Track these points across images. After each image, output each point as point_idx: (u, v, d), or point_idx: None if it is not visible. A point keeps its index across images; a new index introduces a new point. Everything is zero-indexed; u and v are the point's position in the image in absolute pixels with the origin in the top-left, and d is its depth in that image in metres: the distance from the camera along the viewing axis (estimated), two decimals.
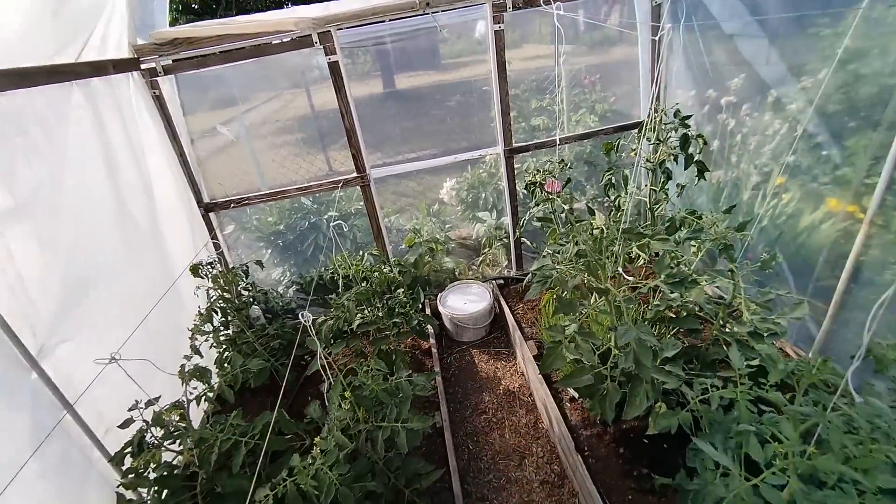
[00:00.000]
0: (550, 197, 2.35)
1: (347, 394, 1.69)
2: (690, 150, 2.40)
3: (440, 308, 3.05)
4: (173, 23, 4.71)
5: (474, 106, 3.15)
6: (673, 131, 2.54)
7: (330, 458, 1.48)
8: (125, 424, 1.83)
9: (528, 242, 3.05)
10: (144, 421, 1.83)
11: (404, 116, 3.31)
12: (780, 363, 1.32)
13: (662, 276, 1.86)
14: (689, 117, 2.42)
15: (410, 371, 1.90)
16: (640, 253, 2.24)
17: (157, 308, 2.17)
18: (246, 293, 2.68)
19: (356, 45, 2.80)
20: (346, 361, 2.89)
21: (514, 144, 2.96)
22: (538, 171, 2.47)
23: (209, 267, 2.44)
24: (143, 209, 2.18)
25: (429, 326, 2.77)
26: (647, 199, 2.65)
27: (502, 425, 2.50)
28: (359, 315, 2.48)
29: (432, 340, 2.89)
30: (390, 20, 2.49)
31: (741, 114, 2.68)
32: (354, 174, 2.83)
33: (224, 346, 2.52)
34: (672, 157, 2.39)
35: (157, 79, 2.26)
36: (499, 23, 2.62)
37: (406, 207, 3.76)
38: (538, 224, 2.71)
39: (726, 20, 2.52)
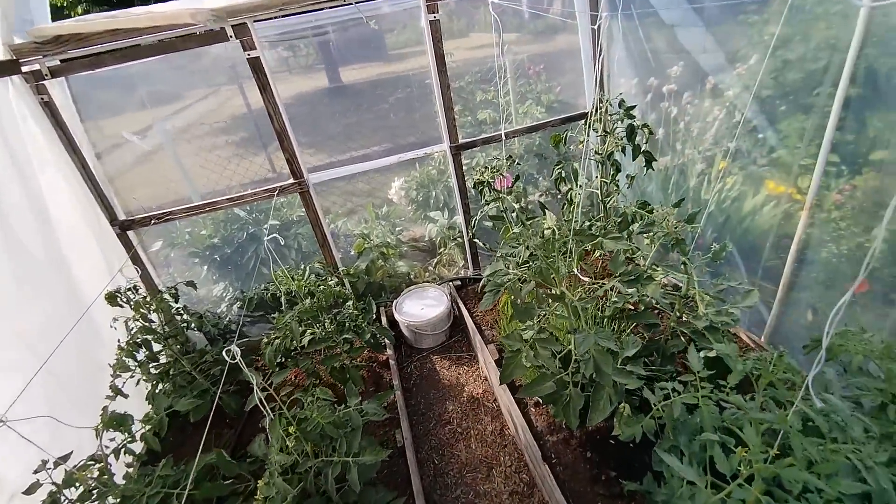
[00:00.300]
0: (501, 195, 2.25)
1: (292, 429, 1.53)
2: (637, 140, 2.37)
3: (396, 315, 2.90)
4: (85, 13, 4.21)
5: (418, 100, 2.99)
6: (619, 122, 2.50)
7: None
8: (31, 490, 1.58)
9: (482, 244, 2.96)
10: (55, 483, 1.58)
11: (349, 112, 3.12)
12: (738, 363, 1.28)
13: (618, 274, 1.81)
14: (633, 107, 2.38)
15: (361, 398, 1.75)
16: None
17: (67, 346, 1.89)
18: (179, 317, 2.43)
19: (282, 39, 2.58)
20: (298, 381, 2.70)
21: (461, 140, 2.84)
22: (486, 168, 2.37)
23: (130, 293, 2.17)
24: (36, 234, 1.88)
25: (384, 339, 2.63)
26: (598, 192, 2.61)
27: (468, 435, 2.41)
28: (307, 333, 2.30)
29: (389, 351, 2.75)
30: (310, 11, 2.29)
31: (683, 101, 2.69)
32: (291, 180, 2.61)
33: (156, 380, 2.26)
34: (620, 149, 2.34)
35: (43, 82, 1.95)
36: (433, 12, 2.47)
37: (355, 209, 3.57)
38: (490, 224, 2.62)
39: (664, 8, 2.49)
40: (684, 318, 2.08)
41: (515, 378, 2.31)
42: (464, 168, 3.01)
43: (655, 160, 2.47)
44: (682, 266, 1.86)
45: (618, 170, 2.45)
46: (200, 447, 1.38)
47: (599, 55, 2.11)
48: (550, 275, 1.58)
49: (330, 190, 3.23)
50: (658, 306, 2.21)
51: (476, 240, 2.94)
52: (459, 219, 3.12)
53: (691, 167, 2.80)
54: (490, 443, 2.34)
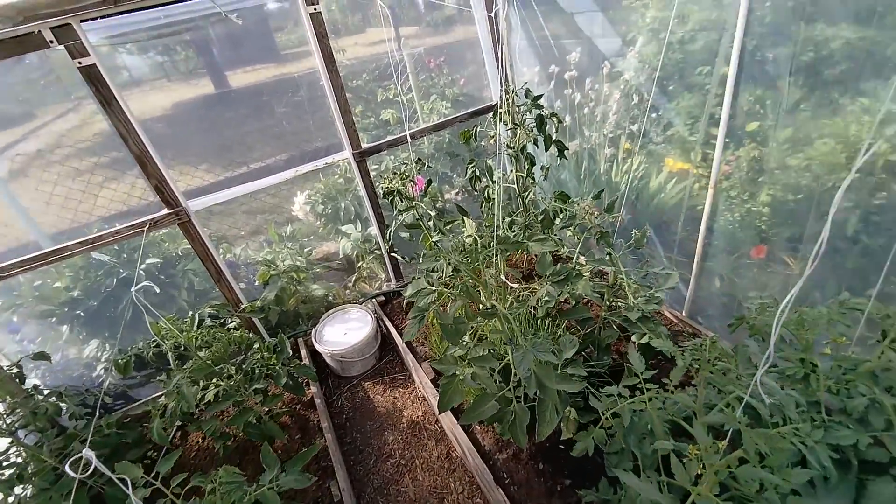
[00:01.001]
0: (415, 203, 2.06)
1: None
2: (548, 130, 2.30)
3: (317, 345, 2.60)
4: None
5: (312, 105, 2.68)
6: (528, 112, 2.42)
7: None
8: None
9: (399, 257, 2.75)
10: None
11: (242, 120, 2.71)
12: (679, 358, 1.22)
13: (547, 276, 1.71)
14: (540, 97, 2.31)
15: (281, 462, 1.47)
16: None
17: None
18: (32, 400, 1.92)
19: (126, 40, 2.14)
20: (206, 445, 2.30)
21: (364, 146, 2.59)
22: (395, 174, 2.16)
23: None
24: None
25: (305, 378, 2.32)
26: (515, 186, 2.52)
27: (413, 466, 2.20)
28: (210, 388, 1.93)
29: (314, 388, 2.45)
30: (156, 6, 1.90)
31: (585, 87, 2.69)
32: (164, 211, 2.19)
33: (6, 488, 1.76)
34: (532, 140, 2.26)
35: None
36: (312, 4, 2.19)
37: (258, 228, 3.17)
38: (407, 234, 2.42)
39: None
40: (615, 305, 2.06)
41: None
42: (371, 175, 2.77)
43: (567, 149, 2.42)
44: (608, 257, 1.81)
45: (532, 163, 2.36)
46: None
47: (500, 45, 1.99)
48: (477, 290, 1.42)
49: (222, 213, 2.81)
50: (589, 300, 2.17)
51: (394, 253, 2.72)
52: (374, 230, 2.87)
53: (600, 151, 2.82)
54: (438, 469, 2.16)
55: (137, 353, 2.00)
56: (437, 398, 2.14)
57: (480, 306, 1.52)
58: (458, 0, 2.81)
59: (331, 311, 2.83)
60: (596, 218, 1.73)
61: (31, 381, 2.19)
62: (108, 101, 1.91)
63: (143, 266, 2.56)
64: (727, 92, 1.94)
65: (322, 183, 3.20)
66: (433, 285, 1.62)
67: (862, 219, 1.80)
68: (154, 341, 1.96)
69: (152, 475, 1.33)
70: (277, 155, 2.91)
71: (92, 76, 1.87)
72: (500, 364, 1.73)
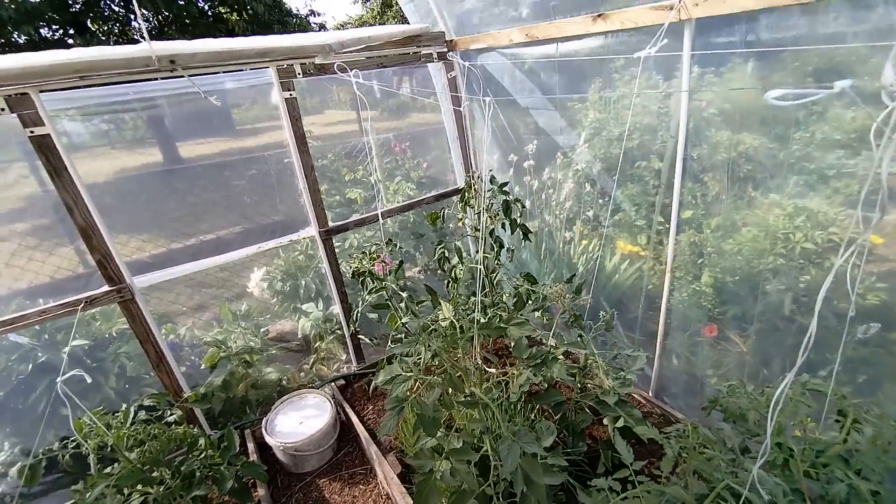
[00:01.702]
0: (385, 283, 2.02)
1: None
2: (512, 214, 2.42)
3: (268, 438, 2.33)
4: None
5: (278, 181, 2.68)
6: (493, 198, 2.55)
7: None
8: None
9: (368, 339, 2.64)
10: None
11: (196, 192, 2.63)
12: (668, 447, 1.20)
13: (524, 359, 1.68)
14: (506, 184, 2.45)
15: None
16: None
17: None
18: None
19: (86, 112, 2.07)
20: None
21: (331, 224, 2.57)
22: (364, 254, 2.13)
23: None
24: None
25: (253, 479, 2.05)
26: (481, 267, 2.56)
27: None
28: (135, 498, 1.64)
29: (262, 491, 2.15)
30: (124, 82, 1.89)
31: (542, 175, 2.91)
32: (105, 287, 1.99)
33: None
34: (500, 224, 2.35)
35: None
36: (289, 90, 2.27)
37: (205, 305, 2.94)
38: (374, 315, 2.34)
39: (517, 93, 2.71)
40: (585, 388, 2.05)
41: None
42: (336, 252, 2.72)
43: (532, 232, 2.54)
44: (580, 339, 1.83)
45: (501, 245, 2.44)
46: None
47: (466, 136, 2.13)
48: (459, 376, 1.37)
49: (168, 289, 2.61)
50: (559, 381, 2.15)
51: (360, 335, 2.61)
52: (337, 308, 2.76)
53: (557, 233, 2.98)
54: None
55: (49, 455, 1.68)
56: (405, 496, 1.95)
57: (459, 394, 1.45)
58: (424, 94, 3.03)
59: (284, 398, 2.59)
60: (566, 301, 1.77)
61: None
62: (58, 172, 1.79)
63: (66, 349, 2.26)
64: (663, 184, 2.18)
65: (282, 259, 3.11)
66: (408, 371, 1.54)
67: (794, 300, 1.99)
68: (73, 440, 1.67)
69: None
70: (231, 228, 2.82)
71: (43, 146, 1.76)
72: (477, 455, 1.62)
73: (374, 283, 1.93)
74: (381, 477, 2.29)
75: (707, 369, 2.31)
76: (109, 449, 1.66)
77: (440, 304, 1.76)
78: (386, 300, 2.19)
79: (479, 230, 2.47)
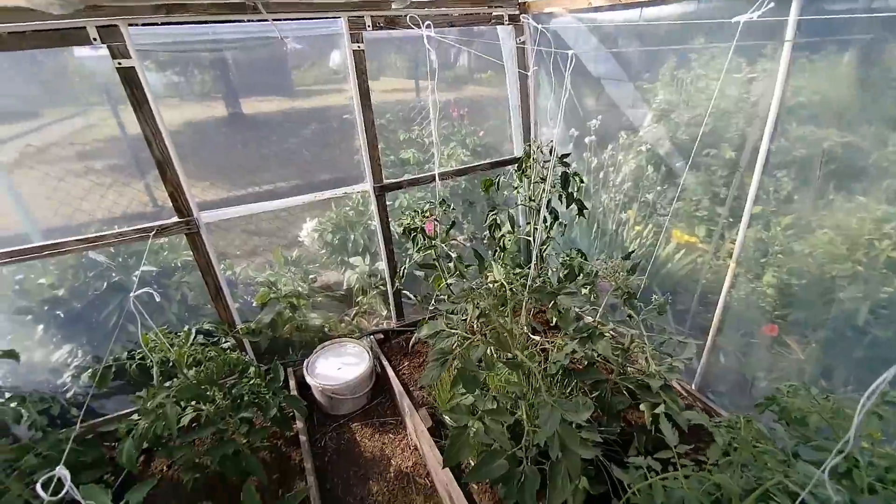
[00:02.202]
0: (434, 243, 2.02)
1: None
2: (570, 188, 2.34)
3: (308, 378, 2.45)
4: None
5: (336, 136, 2.72)
6: (551, 169, 2.47)
7: None
8: None
9: (411, 296, 2.67)
10: None
11: (254, 145, 2.73)
12: (718, 435, 1.15)
13: (570, 332, 1.65)
14: (567, 155, 2.36)
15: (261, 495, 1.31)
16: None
17: None
18: None
19: (168, 50, 2.15)
20: (171, 475, 2.08)
21: (385, 181, 2.59)
22: (416, 212, 2.14)
23: None
24: None
25: (294, 411, 2.17)
26: (531, 239, 2.52)
27: None
28: (187, 411, 1.78)
29: (300, 424, 2.27)
30: (210, 22, 1.94)
31: (603, 153, 2.79)
32: (175, 218, 2.11)
33: None
34: (557, 196, 2.29)
35: None
36: (357, 42, 2.26)
37: (258, 251, 3.08)
38: (421, 273, 2.37)
39: (591, 62, 2.58)
40: (625, 372, 2.00)
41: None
42: (388, 210, 2.75)
43: (587, 209, 2.46)
44: (629, 319, 1.78)
45: (556, 217, 2.38)
46: None
47: (529, 102, 2.05)
48: (506, 340, 1.36)
49: (227, 230, 2.73)
50: (598, 360, 2.11)
51: (404, 291, 2.65)
52: (382, 265, 2.81)
53: (612, 215, 2.87)
54: None
55: (118, 363, 1.84)
56: (433, 449, 2.01)
57: (504, 354, 1.45)
58: (491, 59, 2.94)
59: (325, 344, 2.70)
60: (620, 277, 1.71)
61: None
62: (140, 105, 1.89)
63: (137, 273, 2.44)
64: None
65: (334, 212, 3.18)
66: (454, 328, 1.55)
67: (871, 311, 1.83)
68: (139, 353, 1.81)
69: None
70: (287, 182, 2.91)
71: (129, 78, 1.86)
72: (512, 419, 1.63)
73: (424, 240, 1.94)
74: (410, 429, 2.36)
75: (758, 371, 2.19)
76: (171, 364, 1.79)
77: (487, 269, 1.75)
78: (433, 260, 2.20)
79: (533, 201, 2.42)
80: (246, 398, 1.83)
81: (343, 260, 3.05)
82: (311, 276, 2.79)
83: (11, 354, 1.76)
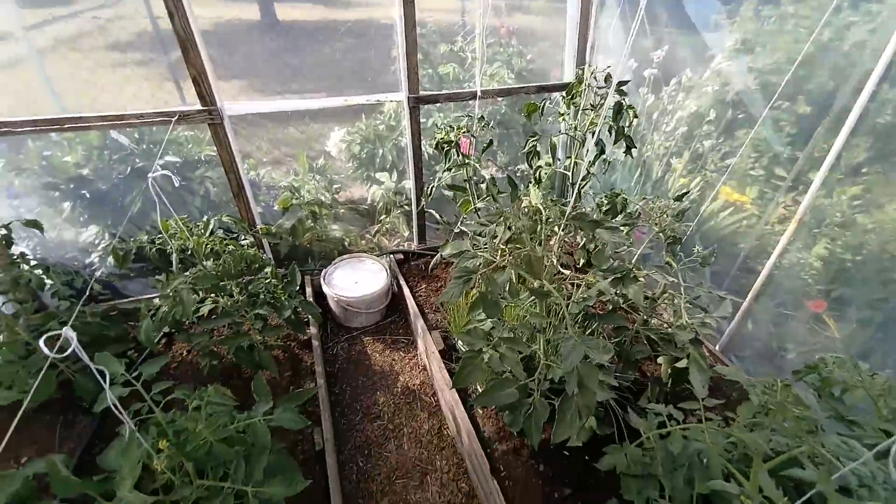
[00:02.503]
0: (467, 161, 1.88)
1: (164, 444, 1.07)
2: (621, 122, 2.12)
3: (325, 287, 2.44)
4: None
5: (372, 42, 2.50)
6: (603, 100, 2.23)
7: None
8: None
9: (435, 214, 2.57)
10: None
11: (284, 49, 2.56)
12: (752, 394, 1.07)
13: (602, 270, 1.55)
14: (626, 83, 2.11)
15: (272, 393, 1.32)
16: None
17: None
18: (16, 268, 1.76)
19: None
20: (190, 358, 2.16)
21: (422, 92, 2.39)
22: (452, 127, 1.97)
23: None
24: None
25: (309, 317, 2.18)
26: (569, 173, 2.34)
27: (400, 433, 2.08)
28: (206, 302, 1.78)
29: (313, 329, 2.30)
30: None
31: (662, 92, 2.50)
32: (198, 106, 2.00)
33: None
34: (607, 129, 2.07)
35: None
36: None
37: (283, 159, 2.99)
38: (448, 193, 2.24)
39: None
40: (649, 324, 1.92)
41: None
42: (420, 126, 2.58)
43: (635, 146, 2.24)
44: (667, 265, 1.65)
45: (602, 151, 2.18)
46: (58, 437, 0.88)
47: (589, 25, 1.79)
48: (537, 265, 1.26)
49: (253, 130, 2.62)
50: (622, 307, 2.02)
51: (430, 210, 2.55)
52: (409, 183, 2.70)
53: (657, 162, 2.64)
54: (426, 444, 2.04)
55: (139, 245, 1.84)
56: (442, 370, 2.01)
57: (532, 281, 1.36)
58: None
59: (345, 257, 2.67)
60: (666, 219, 1.56)
61: (18, 250, 2.04)
62: None
63: (161, 161, 2.38)
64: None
65: (363, 123, 3.01)
66: (480, 249, 1.46)
67: None
68: (159, 237, 1.79)
69: (133, 374, 1.19)
70: (318, 91, 2.74)
71: None
72: (529, 350, 1.58)
73: (457, 156, 1.80)
74: (421, 349, 2.38)
75: (788, 342, 2.08)
76: (189, 253, 1.77)
77: (522, 195, 1.61)
78: (465, 181, 2.07)
79: (578, 131, 2.21)
80: (262, 297, 1.82)
81: (369, 175, 2.94)
82: (335, 186, 2.70)
83: (35, 224, 1.76)
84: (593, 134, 2.14)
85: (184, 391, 1.25)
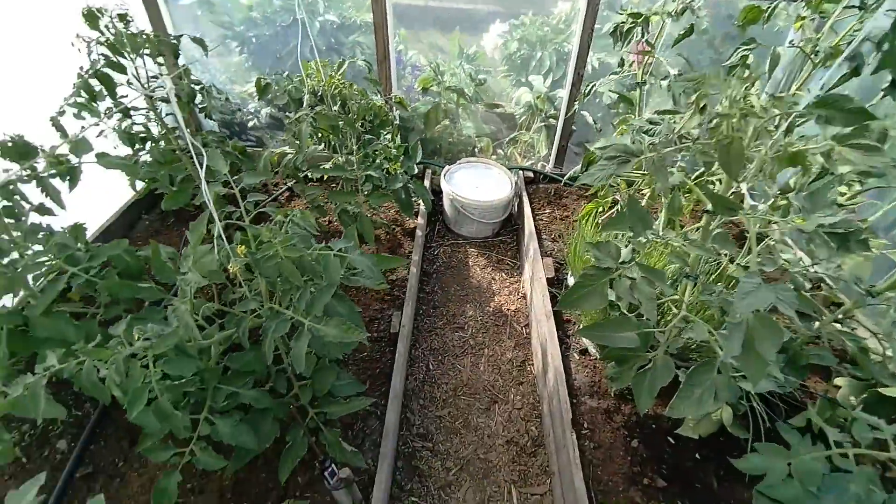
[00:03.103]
0: (649, 52, 1.44)
1: (241, 249, 1.00)
2: None
3: (443, 184, 2.27)
4: None
5: None
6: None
7: (162, 345, 0.82)
8: None
9: (588, 116, 2.12)
10: None
11: None
12: None
13: (814, 221, 1.06)
14: None
15: (357, 247, 1.19)
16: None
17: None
18: (181, 81, 1.88)
19: None
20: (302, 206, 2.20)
21: None
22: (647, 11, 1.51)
23: (117, 20, 1.60)
24: None
25: (420, 202, 2.04)
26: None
27: (480, 352, 1.89)
28: (319, 146, 1.72)
29: (420, 220, 2.17)
30: None
31: None
32: None
33: (137, 146, 1.80)
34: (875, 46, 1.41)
35: None
36: None
37: (433, 49, 2.79)
38: (609, 101, 1.82)
39: None
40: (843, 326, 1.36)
41: (574, 311, 1.69)
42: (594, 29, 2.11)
43: None
44: None
45: (856, 73, 1.53)
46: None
47: None
48: (731, 152, 0.87)
49: (410, 13, 2.44)
50: (818, 286, 1.47)
51: (583, 112, 2.12)
52: (563, 93, 2.30)
53: None
54: (504, 372, 1.82)
55: (279, 81, 1.82)
56: (545, 298, 1.73)
57: (709, 190, 0.97)
58: None
59: (472, 160, 2.45)
60: None
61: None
62: None
63: (320, 18, 2.36)
64: None
65: (528, 20, 2.63)
66: (641, 145, 1.08)
67: None
68: (297, 76, 1.75)
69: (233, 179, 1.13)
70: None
71: None
72: (670, 293, 1.20)
73: (642, 33, 1.37)
74: (526, 276, 2.11)
75: None
76: (320, 97, 1.70)
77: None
78: (631, 88, 1.63)
79: (817, 45, 1.58)
80: (377, 160, 1.69)
81: (519, 81, 2.60)
82: (480, 76, 2.43)
83: (200, 42, 1.83)
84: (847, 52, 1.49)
85: (274, 208, 1.18)
